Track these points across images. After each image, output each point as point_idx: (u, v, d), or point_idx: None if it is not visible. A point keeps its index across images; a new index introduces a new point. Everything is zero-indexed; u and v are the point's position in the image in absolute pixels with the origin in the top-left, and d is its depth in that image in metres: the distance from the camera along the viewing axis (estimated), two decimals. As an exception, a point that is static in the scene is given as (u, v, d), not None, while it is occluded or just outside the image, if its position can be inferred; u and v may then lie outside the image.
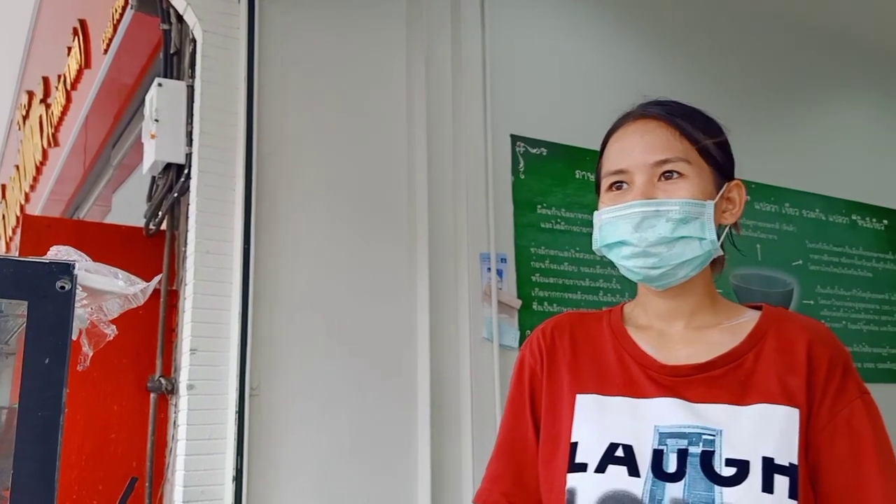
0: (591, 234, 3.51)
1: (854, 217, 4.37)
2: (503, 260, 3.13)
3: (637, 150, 1.02)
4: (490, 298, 3.04)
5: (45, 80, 5.26)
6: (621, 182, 1.02)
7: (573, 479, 0.97)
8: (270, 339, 2.66)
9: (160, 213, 2.93)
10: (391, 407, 2.83)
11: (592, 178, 3.70)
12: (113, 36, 3.33)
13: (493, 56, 3.26)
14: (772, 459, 0.90)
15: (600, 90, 3.52)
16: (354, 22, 3.05)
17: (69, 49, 4.33)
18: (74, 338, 1.28)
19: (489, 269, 3.07)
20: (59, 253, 1.15)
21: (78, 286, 1.13)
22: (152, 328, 2.82)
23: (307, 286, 2.77)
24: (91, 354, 1.30)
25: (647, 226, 0.98)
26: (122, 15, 3.16)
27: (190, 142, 2.73)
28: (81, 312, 1.23)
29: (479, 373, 2.95)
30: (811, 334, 0.99)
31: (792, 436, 0.93)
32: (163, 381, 2.75)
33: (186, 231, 2.72)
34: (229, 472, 2.51)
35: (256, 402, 2.60)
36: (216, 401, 2.55)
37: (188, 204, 2.72)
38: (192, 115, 2.74)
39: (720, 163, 1.04)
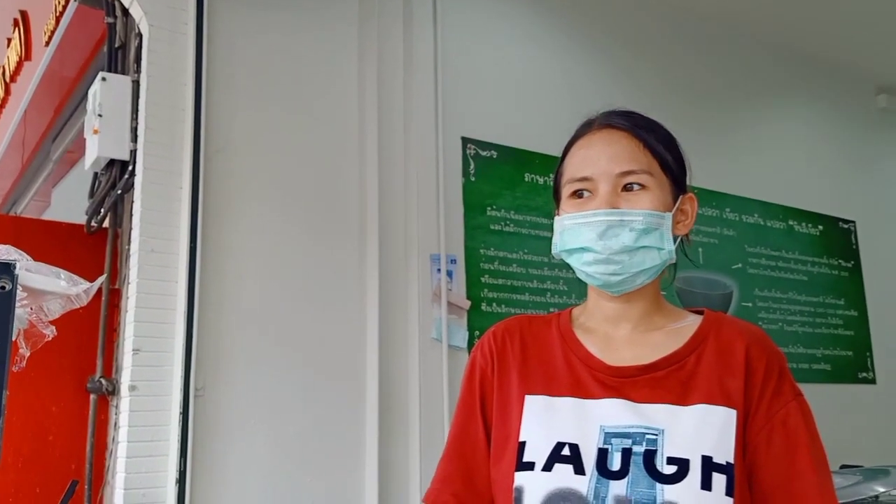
0: (540, 237, 3.55)
1: (791, 222, 4.52)
2: (453, 261, 3.15)
3: (602, 159, 1.04)
4: (440, 299, 3.05)
5: (-18, 71, 5.08)
6: (584, 190, 1.05)
7: (521, 478, 1.00)
8: (217, 339, 2.63)
9: (102, 209, 2.86)
10: (339, 408, 2.82)
11: (541, 181, 3.74)
12: (55, 28, 3.24)
13: (444, 59, 3.28)
14: (710, 458, 0.94)
15: (550, 95, 3.57)
16: (306, 21, 3.03)
17: (9, 40, 4.19)
18: (13, 338, 1.25)
19: (439, 270, 3.08)
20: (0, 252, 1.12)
21: (18, 286, 1.11)
22: (93, 327, 2.75)
23: (255, 286, 2.74)
24: (28, 355, 1.27)
25: (611, 234, 1.01)
26: (65, 7, 3.08)
27: (135, 138, 2.68)
28: (21, 313, 1.20)
29: (428, 373, 2.97)
30: (749, 338, 1.03)
31: (729, 436, 0.96)
32: (103, 381, 2.69)
33: (130, 229, 2.66)
34: (172, 474, 2.47)
35: (201, 403, 2.57)
36: (159, 402, 2.51)
37: (132, 201, 2.66)
38: (137, 110, 2.69)
39: (677, 176, 1.08)
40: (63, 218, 3.25)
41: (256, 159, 2.82)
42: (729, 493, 0.93)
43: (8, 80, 4.26)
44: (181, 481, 2.46)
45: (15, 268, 1.02)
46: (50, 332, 1.26)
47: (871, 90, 5.22)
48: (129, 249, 2.66)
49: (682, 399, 0.99)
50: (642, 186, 1.03)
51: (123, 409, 2.52)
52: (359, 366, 2.88)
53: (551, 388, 1.05)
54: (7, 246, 1.15)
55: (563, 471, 0.97)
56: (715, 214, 4.15)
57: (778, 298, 4.31)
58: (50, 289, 1.09)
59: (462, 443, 1.11)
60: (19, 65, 4.05)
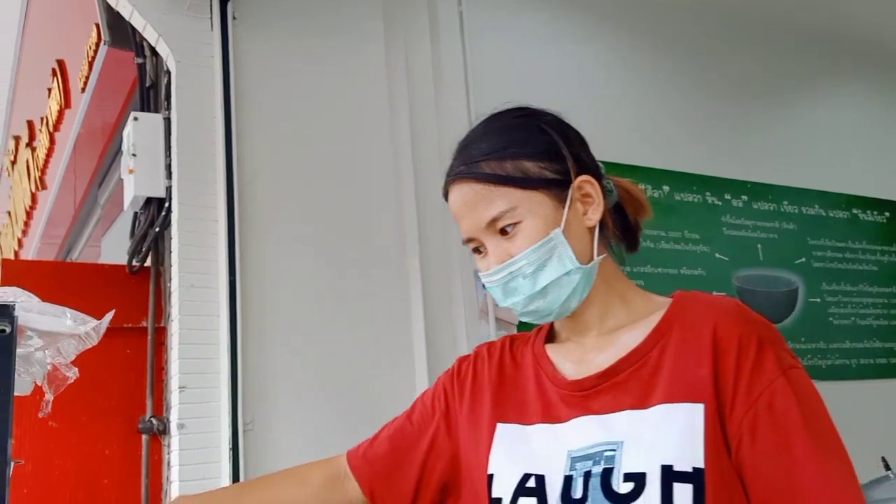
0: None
1: (855, 211, 4.30)
2: (498, 276, 3.05)
3: (467, 218, 0.96)
4: (487, 316, 2.96)
5: (30, 124, 5.22)
6: (476, 247, 0.98)
7: None
8: (262, 371, 2.59)
9: (143, 248, 2.86)
10: (391, 434, 2.74)
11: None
12: (89, 74, 3.28)
13: (474, 72, 3.21)
14: (671, 467, 0.81)
15: (585, 98, 3.47)
16: (331, 44, 3.00)
17: (49, 90, 4.30)
18: (39, 383, 1.21)
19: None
20: (4, 294, 1.08)
21: (26, 329, 1.06)
22: (141, 367, 2.74)
23: (297, 315, 2.69)
24: (52, 399, 1.22)
25: (510, 290, 0.93)
26: (96, 52, 3.12)
27: (169, 175, 2.67)
28: (41, 357, 1.16)
29: (481, 393, 2.87)
30: (717, 315, 0.88)
31: (695, 436, 0.82)
32: (154, 421, 2.67)
33: (171, 266, 2.65)
34: (226, 512, 2.42)
35: (251, 438, 2.52)
36: (209, 439, 2.47)
37: (171, 238, 2.65)
38: (170, 147, 2.69)
39: (550, 177, 0.94)
40: (114, 262, 3.27)
41: (290, 186, 2.79)
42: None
43: (52, 129, 4.36)
44: (235, 519, 2.41)
45: (14, 309, 0.96)
46: (73, 374, 1.22)
47: (928, 66, 4.96)
48: (170, 287, 2.65)
49: (642, 402, 0.87)
50: (514, 225, 0.92)
51: (174, 449, 2.49)
52: (408, 390, 2.80)
53: (524, 416, 0.96)
54: (13, 288, 1.10)
55: None
56: (772, 208, 3.97)
57: (848, 292, 4.09)
58: (55, 329, 1.04)
59: (404, 432, 1.07)
60: (60, 113, 4.13)
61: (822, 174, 4.20)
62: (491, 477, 0.94)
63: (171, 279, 2.65)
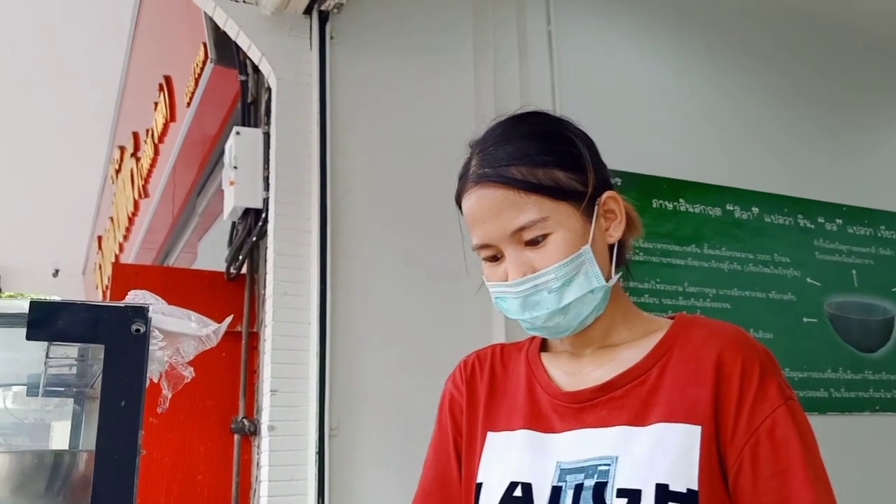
0: (672, 265, 3.37)
1: (958, 237, 4.10)
2: (581, 293, 3.06)
3: (488, 224, 0.92)
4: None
5: (135, 136, 5.54)
6: (492, 255, 0.95)
7: None
8: (349, 378, 2.67)
9: (240, 256, 3.00)
10: (471, 446, 2.78)
11: (670, 206, 3.56)
12: (195, 89, 3.47)
13: (562, 89, 3.24)
14: (666, 486, 0.82)
15: (673, 116, 3.44)
16: (422, 65, 3.09)
17: (156, 104, 4.55)
18: (156, 380, 1.30)
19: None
20: (136, 297, 1.18)
21: (153, 329, 1.15)
22: (235, 370, 2.87)
23: (384, 324, 2.77)
24: (170, 396, 1.31)
25: (532, 304, 0.90)
26: (202, 69, 3.30)
27: (267, 187, 2.80)
28: (161, 355, 1.25)
29: (560, 410, 2.87)
30: (721, 340, 0.89)
31: (691, 457, 0.83)
32: (246, 422, 2.79)
33: (265, 273, 2.77)
34: (311, 513, 2.50)
35: (336, 442, 2.60)
36: (296, 441, 2.56)
37: (266, 247, 2.78)
38: (268, 160, 2.82)
39: (579, 189, 0.92)
40: (208, 268, 3.44)
41: (381, 201, 2.88)
42: None
43: (157, 141, 4.61)
44: (319, 521, 2.49)
45: (148, 311, 1.05)
46: (189, 373, 1.31)
47: None
48: (264, 294, 2.77)
49: (640, 419, 0.87)
50: (544, 236, 0.90)
51: (264, 449, 2.60)
52: (489, 403, 2.84)
53: (512, 423, 0.97)
54: (144, 291, 1.20)
55: None
56: (868, 233, 3.84)
57: (949, 322, 3.90)
58: (181, 330, 1.13)
59: (433, 480, 1.04)
60: (166, 126, 4.37)
61: (923, 198, 4.03)
62: (479, 486, 0.94)
63: (265, 286, 2.77)
